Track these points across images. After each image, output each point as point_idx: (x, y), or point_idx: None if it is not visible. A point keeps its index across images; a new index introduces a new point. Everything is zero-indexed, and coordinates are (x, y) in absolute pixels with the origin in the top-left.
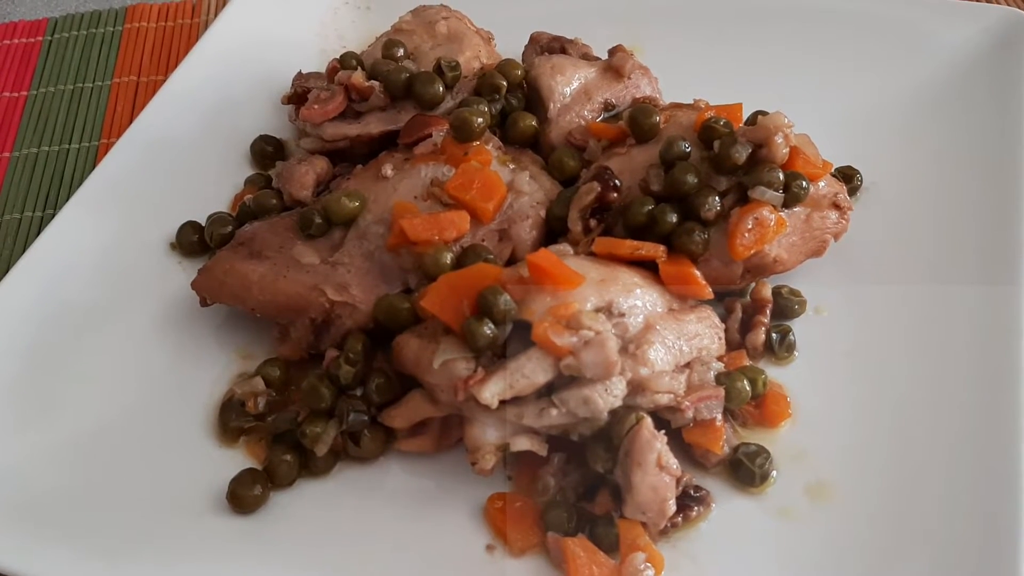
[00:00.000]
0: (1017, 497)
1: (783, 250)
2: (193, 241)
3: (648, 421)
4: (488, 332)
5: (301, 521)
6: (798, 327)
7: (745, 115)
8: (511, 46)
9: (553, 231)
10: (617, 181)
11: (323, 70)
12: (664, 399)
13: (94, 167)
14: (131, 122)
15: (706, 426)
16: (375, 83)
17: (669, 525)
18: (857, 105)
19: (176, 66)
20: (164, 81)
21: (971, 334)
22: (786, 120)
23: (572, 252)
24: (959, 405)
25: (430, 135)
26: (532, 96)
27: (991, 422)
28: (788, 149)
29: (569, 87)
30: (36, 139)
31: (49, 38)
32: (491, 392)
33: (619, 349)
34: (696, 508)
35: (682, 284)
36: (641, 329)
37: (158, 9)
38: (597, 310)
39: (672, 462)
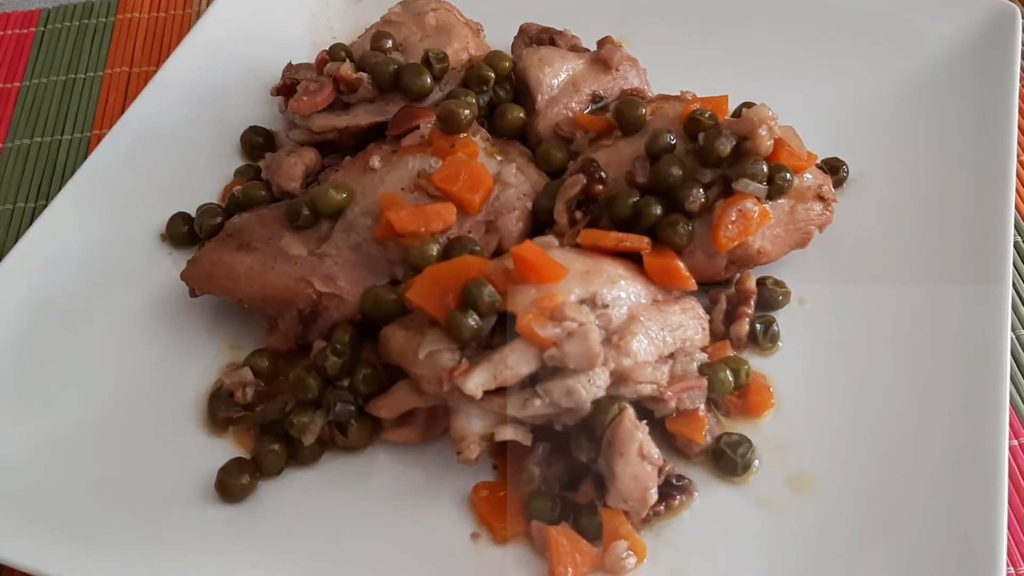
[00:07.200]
0: (997, 490)
1: (767, 241)
2: (183, 232)
3: (630, 411)
4: (472, 324)
5: (289, 510)
6: (782, 318)
7: (732, 107)
8: (500, 37)
9: (539, 223)
10: (603, 173)
11: (314, 61)
12: (647, 389)
13: (86, 158)
14: (123, 113)
15: (689, 416)
16: (363, 75)
17: (651, 514)
18: (845, 97)
19: (168, 57)
20: (156, 72)
21: (955, 325)
22: (770, 112)
23: (557, 244)
24: (942, 396)
25: (418, 127)
26: (520, 88)
27: (973, 414)
28: (772, 141)
29: (557, 79)
30: (28, 130)
31: (42, 29)
32: (475, 383)
33: (602, 340)
34: (678, 497)
35: (666, 276)
36: (625, 320)
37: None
38: (581, 301)
39: (654, 452)
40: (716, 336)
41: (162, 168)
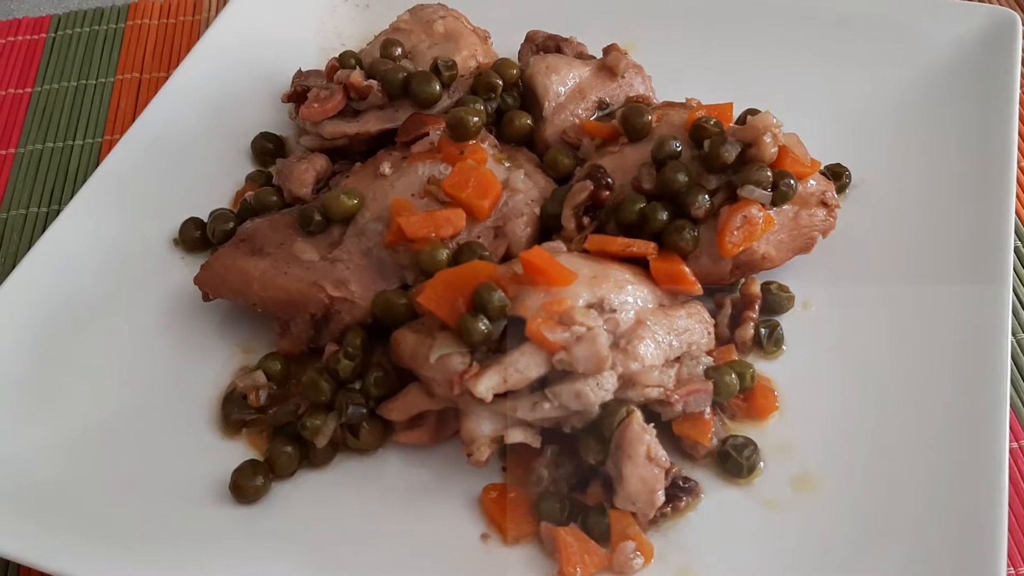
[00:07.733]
0: (997, 490)
1: (771, 247)
2: (195, 237)
3: (638, 414)
4: (483, 328)
5: (301, 511)
6: (786, 322)
7: (736, 114)
8: (507, 44)
9: (547, 228)
10: (610, 179)
11: (322, 68)
12: (654, 393)
13: (98, 163)
14: (134, 119)
15: (695, 419)
16: (373, 82)
17: (659, 515)
18: (847, 103)
19: (178, 63)
20: (166, 78)
21: (956, 329)
22: (774, 120)
23: (565, 249)
24: (943, 399)
25: (427, 134)
26: (527, 95)
27: (974, 416)
28: (776, 148)
29: (564, 86)
30: (41, 135)
31: (52, 35)
32: (486, 386)
33: (610, 344)
34: (685, 498)
35: (672, 281)
36: (632, 325)
37: (160, 6)
38: (589, 306)
39: (661, 454)
40: (721, 340)
41: (174, 174)
